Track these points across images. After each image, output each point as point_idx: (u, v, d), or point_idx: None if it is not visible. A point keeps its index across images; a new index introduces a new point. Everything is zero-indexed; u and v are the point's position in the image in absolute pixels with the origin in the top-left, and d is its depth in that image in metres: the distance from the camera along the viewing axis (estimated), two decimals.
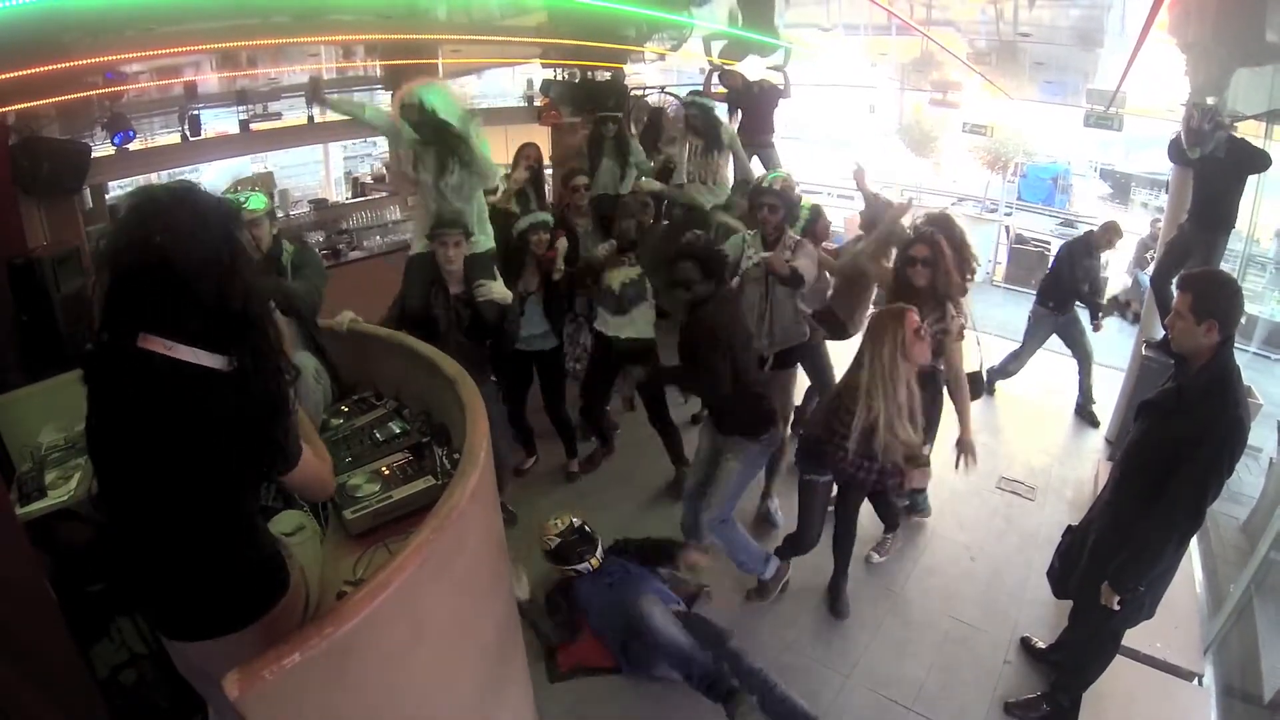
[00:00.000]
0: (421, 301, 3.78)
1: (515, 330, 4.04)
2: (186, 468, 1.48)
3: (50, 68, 3.79)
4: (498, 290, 3.80)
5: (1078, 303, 5.76)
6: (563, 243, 4.37)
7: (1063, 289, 5.73)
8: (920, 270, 3.52)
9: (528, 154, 5.28)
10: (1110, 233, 5.70)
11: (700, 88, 7.09)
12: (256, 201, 3.01)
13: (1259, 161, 4.58)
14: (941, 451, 3.94)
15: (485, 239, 3.99)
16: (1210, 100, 4.92)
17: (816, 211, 4.62)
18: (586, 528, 3.69)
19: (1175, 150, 4.99)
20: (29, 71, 3.68)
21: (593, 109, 6.02)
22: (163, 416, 1.44)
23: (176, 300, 1.42)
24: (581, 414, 4.96)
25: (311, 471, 1.72)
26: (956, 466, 3.55)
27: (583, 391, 4.93)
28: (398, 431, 2.67)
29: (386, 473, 2.44)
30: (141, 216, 1.43)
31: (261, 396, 1.52)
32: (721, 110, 6.24)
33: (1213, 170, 4.64)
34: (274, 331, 1.59)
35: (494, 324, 3.83)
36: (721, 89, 6.78)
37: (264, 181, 2.97)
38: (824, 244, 4.61)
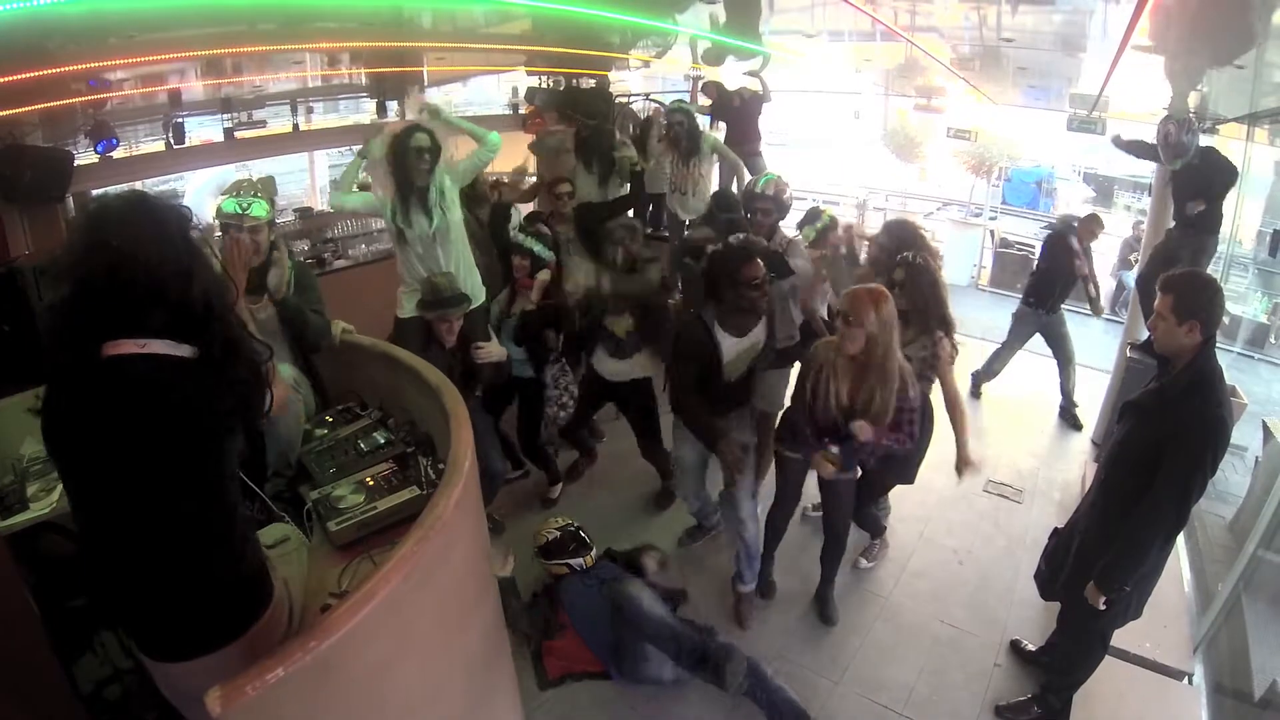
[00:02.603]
0: None
1: (507, 377, 4.09)
2: (174, 462, 1.48)
3: (32, 74, 3.75)
4: (495, 351, 3.86)
5: (1065, 298, 5.79)
6: (545, 274, 4.29)
7: (1046, 286, 5.76)
8: (897, 295, 3.54)
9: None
10: (1092, 223, 5.73)
11: (686, 95, 7.13)
12: (259, 208, 2.96)
13: (1228, 177, 4.65)
14: (926, 458, 3.95)
15: (476, 291, 4.00)
16: (1192, 98, 4.98)
17: (834, 222, 4.64)
18: (584, 534, 3.70)
19: (1138, 150, 5.11)
20: (11, 78, 3.65)
21: (577, 116, 6.03)
22: (148, 413, 1.45)
23: (139, 302, 1.44)
24: (561, 433, 4.85)
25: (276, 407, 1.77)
26: (960, 476, 3.64)
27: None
28: (382, 442, 2.64)
29: (371, 483, 2.41)
30: (97, 224, 1.46)
31: (235, 383, 1.55)
32: (702, 121, 6.26)
33: (1190, 177, 4.69)
34: (237, 322, 1.63)
35: (489, 381, 3.90)
36: (706, 100, 6.81)
37: (265, 185, 2.98)
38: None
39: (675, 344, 3.58)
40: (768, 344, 3.56)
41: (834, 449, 3.33)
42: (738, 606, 3.83)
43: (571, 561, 3.55)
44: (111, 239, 1.42)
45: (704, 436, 3.50)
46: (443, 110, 3.97)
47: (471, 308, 3.89)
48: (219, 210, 2.99)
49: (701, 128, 6.10)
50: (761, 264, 3.42)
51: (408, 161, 3.71)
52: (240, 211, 2.91)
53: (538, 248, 4.28)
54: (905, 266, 3.58)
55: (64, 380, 1.50)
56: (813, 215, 4.73)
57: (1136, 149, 5.22)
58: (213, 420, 1.51)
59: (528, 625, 3.47)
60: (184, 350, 1.50)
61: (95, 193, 5.70)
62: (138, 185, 5.83)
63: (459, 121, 4.03)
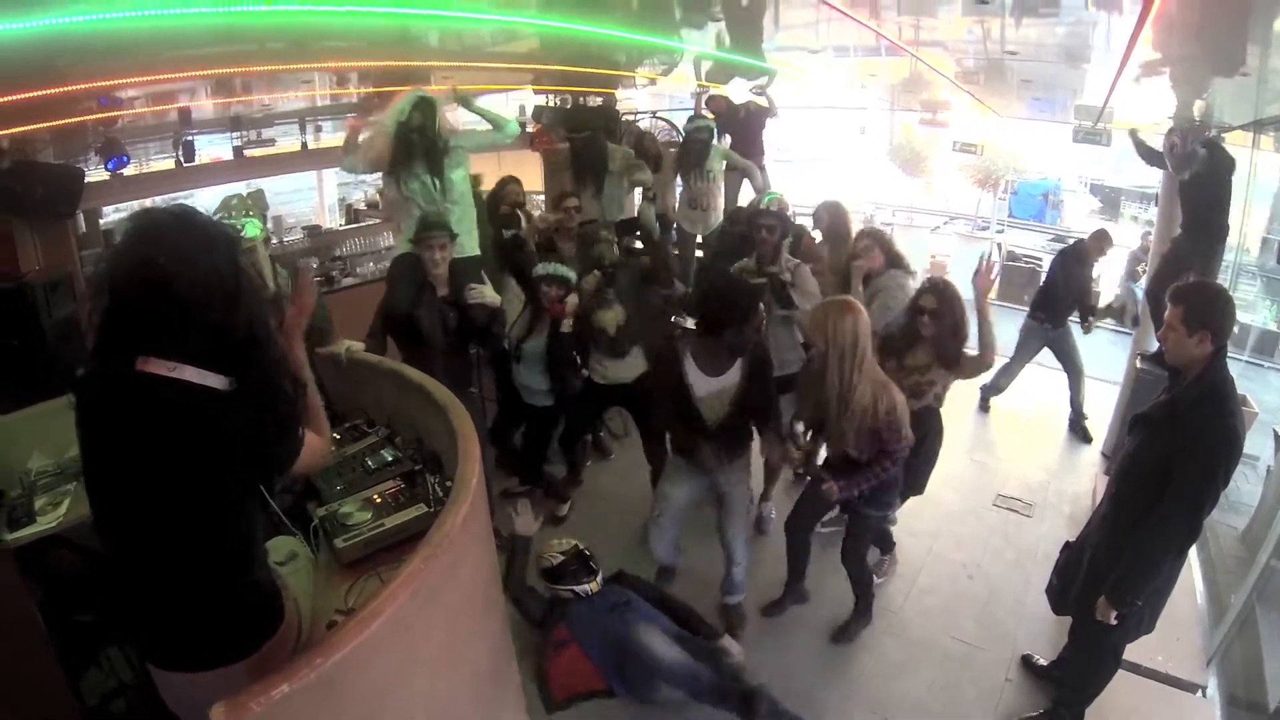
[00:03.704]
0: (408, 304, 3.79)
1: (501, 333, 4.06)
2: (191, 490, 1.46)
3: (44, 92, 3.79)
4: (488, 294, 3.83)
5: (1073, 315, 5.77)
6: (574, 299, 4.25)
7: (1055, 300, 5.74)
8: (927, 322, 3.51)
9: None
10: (1101, 240, 5.72)
11: (692, 112, 7.17)
12: (252, 228, 3.00)
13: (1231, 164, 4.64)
14: (935, 472, 3.94)
15: (471, 243, 4.05)
16: (1198, 105, 4.97)
17: (799, 231, 4.69)
18: (590, 558, 3.52)
19: (1147, 154, 5.09)
20: (22, 96, 3.69)
21: (569, 133, 6.05)
22: (169, 439, 1.43)
23: (178, 322, 1.41)
24: (560, 443, 4.86)
25: (310, 458, 1.71)
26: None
27: (565, 427, 4.83)
28: (389, 459, 2.65)
29: (378, 500, 2.41)
30: (144, 238, 1.42)
31: (268, 416, 1.51)
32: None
33: (1197, 184, 4.68)
34: (277, 352, 1.58)
35: (482, 326, 3.86)
36: (710, 115, 6.84)
37: (255, 201, 3.00)
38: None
39: (653, 373, 3.59)
40: (744, 387, 3.40)
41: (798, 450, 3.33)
42: (727, 618, 3.80)
43: (576, 588, 3.47)
44: (159, 256, 1.37)
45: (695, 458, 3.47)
46: (471, 99, 4.26)
47: (462, 255, 3.96)
48: None
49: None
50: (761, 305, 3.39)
51: (409, 136, 3.90)
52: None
53: (564, 271, 4.24)
54: (935, 293, 3.52)
55: (93, 391, 1.49)
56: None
57: (1147, 154, 5.21)
58: (236, 456, 1.48)
59: (528, 605, 3.37)
60: (217, 381, 1.46)
61: (106, 209, 5.77)
62: (147, 203, 5.89)
63: (481, 109, 4.25)
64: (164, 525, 1.48)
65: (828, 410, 3.17)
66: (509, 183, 5.23)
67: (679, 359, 3.39)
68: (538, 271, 4.23)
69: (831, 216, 4.74)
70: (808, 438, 3.59)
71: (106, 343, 1.44)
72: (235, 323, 1.45)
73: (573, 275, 4.26)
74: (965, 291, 3.60)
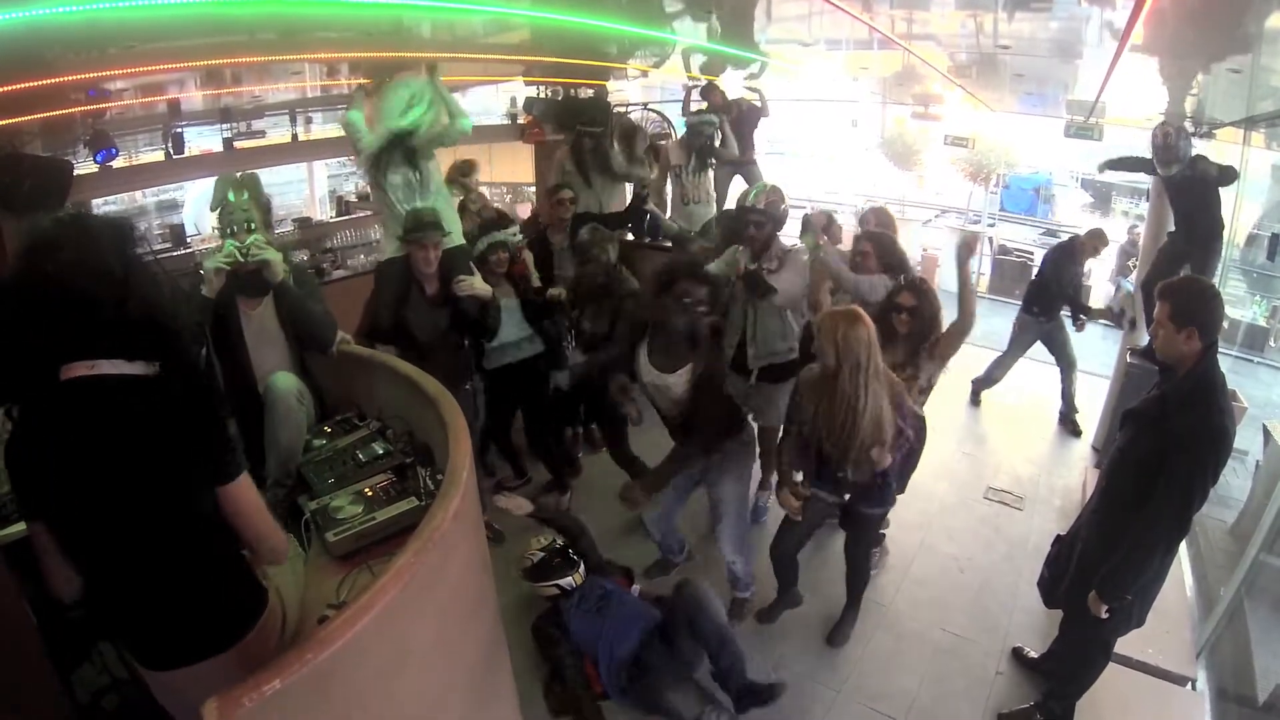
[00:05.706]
0: (393, 313, 3.77)
1: (495, 324, 4.03)
2: (142, 480, 1.48)
3: (32, 84, 3.75)
4: (478, 285, 3.83)
5: (1064, 309, 5.79)
6: (528, 255, 4.33)
7: (1048, 295, 5.75)
8: (905, 319, 3.49)
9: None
10: (1096, 239, 5.73)
11: (682, 104, 7.15)
12: (261, 249, 2.86)
13: (1226, 177, 4.64)
14: (926, 465, 3.94)
15: (456, 233, 4.00)
16: (1189, 102, 4.99)
17: (828, 218, 4.67)
18: (570, 551, 3.60)
19: (1128, 163, 5.13)
20: (10, 87, 3.65)
21: (576, 126, 6.01)
22: (108, 433, 1.45)
23: (82, 322, 1.45)
24: (534, 449, 4.96)
25: (256, 517, 1.68)
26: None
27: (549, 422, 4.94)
28: (380, 452, 2.63)
29: (369, 494, 2.41)
30: (32, 251, 1.46)
31: (192, 396, 1.55)
32: None
33: (1185, 186, 4.69)
34: (188, 333, 1.62)
35: (475, 319, 3.86)
36: (703, 105, 6.82)
37: (249, 184, 2.93)
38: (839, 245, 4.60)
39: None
40: (691, 396, 3.30)
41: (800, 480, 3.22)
42: (732, 608, 3.79)
43: (560, 582, 3.48)
44: (46, 265, 1.42)
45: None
46: (438, 73, 4.07)
47: (452, 246, 3.91)
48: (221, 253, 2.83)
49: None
50: (702, 289, 3.23)
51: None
52: (243, 259, 2.79)
53: (502, 236, 4.28)
54: (913, 290, 3.50)
55: (27, 404, 1.51)
56: (806, 223, 4.74)
57: (1129, 165, 5.23)
58: (170, 435, 1.51)
59: (567, 657, 3.37)
60: (136, 368, 1.50)
61: (95, 202, 5.70)
62: (137, 195, 5.85)
63: (445, 94, 4.04)
64: (125, 522, 1.50)
65: (833, 424, 3.05)
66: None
67: (633, 339, 3.44)
68: (479, 248, 4.23)
69: (879, 221, 4.65)
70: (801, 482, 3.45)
71: (27, 356, 1.46)
72: (130, 309, 1.48)
73: (509, 237, 4.30)
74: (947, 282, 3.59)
